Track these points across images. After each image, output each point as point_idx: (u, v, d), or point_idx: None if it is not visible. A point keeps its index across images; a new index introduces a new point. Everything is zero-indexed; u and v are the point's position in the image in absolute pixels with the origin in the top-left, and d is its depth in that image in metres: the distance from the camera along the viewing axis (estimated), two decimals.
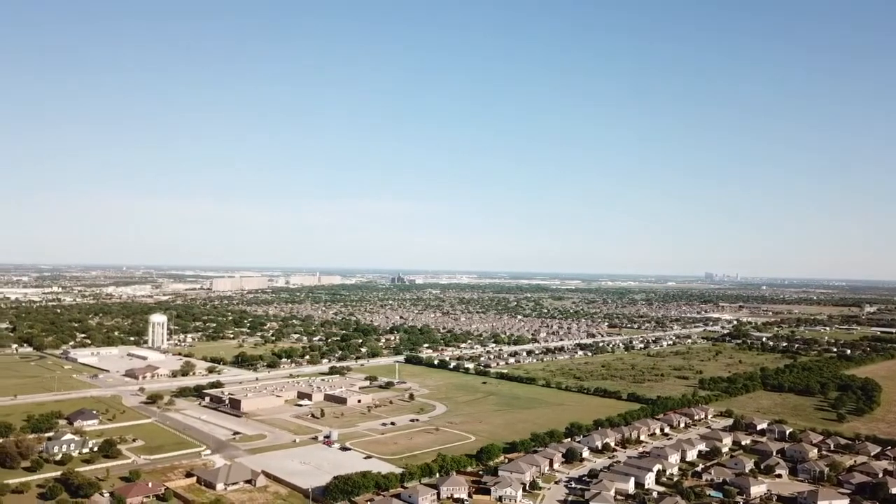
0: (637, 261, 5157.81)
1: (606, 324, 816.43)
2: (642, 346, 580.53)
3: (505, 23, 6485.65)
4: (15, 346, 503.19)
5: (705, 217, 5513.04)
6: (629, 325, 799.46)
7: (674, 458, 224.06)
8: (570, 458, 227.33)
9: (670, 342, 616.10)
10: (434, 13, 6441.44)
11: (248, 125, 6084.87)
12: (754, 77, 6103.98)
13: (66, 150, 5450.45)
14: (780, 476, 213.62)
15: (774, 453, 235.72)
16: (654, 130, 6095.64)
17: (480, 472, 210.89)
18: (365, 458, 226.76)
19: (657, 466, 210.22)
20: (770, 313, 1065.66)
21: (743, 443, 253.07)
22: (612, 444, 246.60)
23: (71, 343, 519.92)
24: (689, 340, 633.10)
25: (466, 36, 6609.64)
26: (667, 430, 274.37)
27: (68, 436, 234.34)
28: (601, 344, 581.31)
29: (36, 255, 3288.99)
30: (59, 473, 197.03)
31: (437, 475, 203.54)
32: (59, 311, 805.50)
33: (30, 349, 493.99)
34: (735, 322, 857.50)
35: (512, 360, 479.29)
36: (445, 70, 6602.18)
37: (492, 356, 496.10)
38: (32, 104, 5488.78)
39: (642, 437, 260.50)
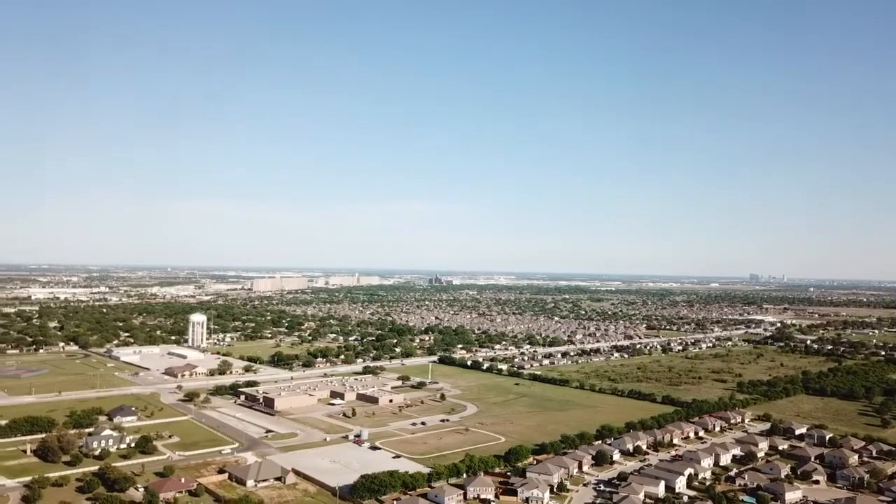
0: (680, 262, 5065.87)
1: (645, 326, 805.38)
2: (680, 348, 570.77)
3: (541, 18, 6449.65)
4: (62, 344, 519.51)
5: (750, 217, 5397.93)
6: (668, 327, 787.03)
7: (707, 462, 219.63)
8: (600, 460, 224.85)
9: (710, 344, 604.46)
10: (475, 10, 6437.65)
11: (290, 128, 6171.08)
12: (807, 69, 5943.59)
13: (117, 153, 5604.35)
14: (817, 482, 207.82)
15: (812, 459, 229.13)
16: (699, 130, 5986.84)
17: (508, 473, 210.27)
18: (394, 457, 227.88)
19: (689, 470, 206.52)
20: (816, 315, 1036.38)
21: (780, 448, 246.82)
22: (644, 447, 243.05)
23: (115, 342, 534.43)
24: (730, 343, 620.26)
25: (498, 38, 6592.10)
26: (701, 433, 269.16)
27: (107, 431, 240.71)
28: (638, 346, 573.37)
29: (85, 256, 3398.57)
30: (96, 468, 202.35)
31: (465, 475, 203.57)
32: (104, 310, 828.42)
33: (76, 347, 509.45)
34: (778, 324, 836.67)
35: (546, 361, 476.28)
36: (485, 71, 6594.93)
37: (526, 357, 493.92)
38: (82, 106, 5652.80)
39: (675, 441, 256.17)
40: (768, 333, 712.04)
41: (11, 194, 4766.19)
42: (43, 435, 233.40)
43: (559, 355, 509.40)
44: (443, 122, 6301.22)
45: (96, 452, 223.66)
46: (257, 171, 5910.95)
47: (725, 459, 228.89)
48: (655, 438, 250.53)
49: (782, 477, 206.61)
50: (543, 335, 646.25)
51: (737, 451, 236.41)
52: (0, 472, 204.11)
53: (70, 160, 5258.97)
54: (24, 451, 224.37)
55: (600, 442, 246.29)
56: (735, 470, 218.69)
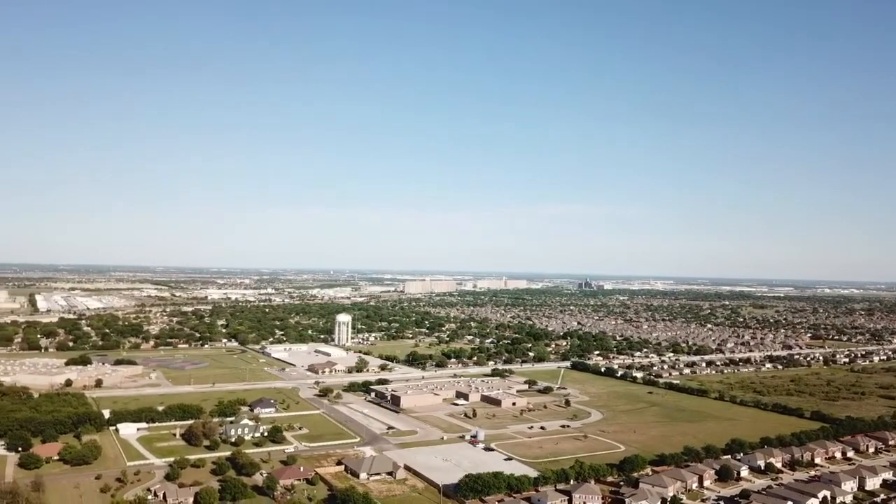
0: (861, 267, 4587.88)
1: (809, 335, 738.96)
2: (847, 360, 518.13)
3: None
4: (224, 340, 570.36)
5: None
6: (836, 337, 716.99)
7: (848, 486, 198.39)
8: (725, 476, 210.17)
9: (883, 357, 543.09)
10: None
11: (437, 138, 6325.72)
12: None
13: (286, 169, 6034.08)
14: None
15: None
16: (885, 126, 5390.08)
17: (621, 483, 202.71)
18: (506, 459, 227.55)
19: (824, 493, 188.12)
20: None
21: None
22: (778, 465, 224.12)
23: (269, 339, 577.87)
24: None
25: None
26: (850, 454, 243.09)
27: (245, 421, 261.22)
28: (796, 357, 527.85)
29: (259, 261, 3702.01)
30: (229, 453, 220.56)
31: (573, 481, 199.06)
32: (267, 310, 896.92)
33: (235, 343, 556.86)
34: None
35: (688, 370, 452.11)
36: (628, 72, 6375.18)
37: (666, 366, 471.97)
38: (258, 122, 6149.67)
39: (817, 460, 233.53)
40: None
41: (200, 207, 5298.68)
42: (191, 421, 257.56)
43: (703, 364, 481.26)
44: (598, 121, 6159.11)
45: (233, 439, 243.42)
46: (413, 180, 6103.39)
47: (873, 484, 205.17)
48: (793, 456, 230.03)
49: None
50: (690, 343, 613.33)
51: (888, 475, 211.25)
52: (151, 451, 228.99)
53: (238, 177, 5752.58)
54: (174, 435, 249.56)
55: (728, 457, 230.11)
56: (883, 496, 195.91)
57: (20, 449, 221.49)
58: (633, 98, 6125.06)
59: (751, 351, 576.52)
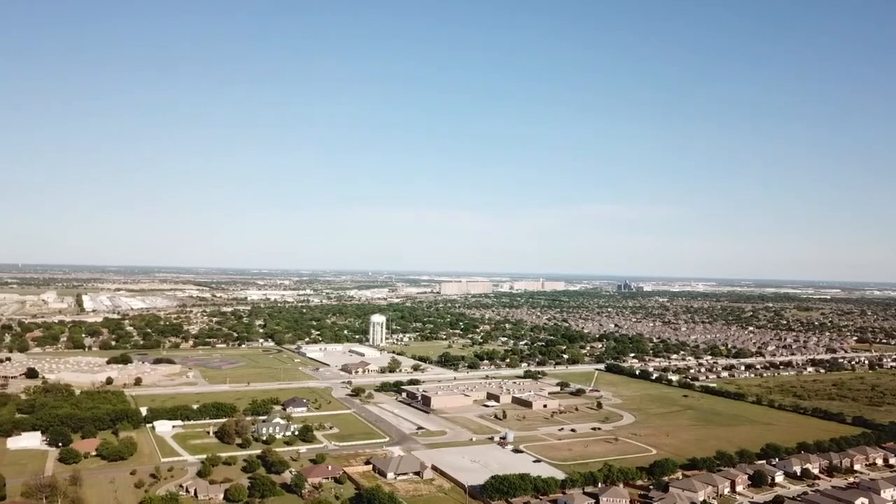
0: None
1: (855, 338, 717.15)
2: (894, 364, 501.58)
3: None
4: (261, 340, 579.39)
5: None
6: (884, 341, 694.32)
7: (888, 493, 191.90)
8: (758, 481, 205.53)
9: None
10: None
11: (478, 140, 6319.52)
12: None
13: (330, 171, 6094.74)
14: None
15: None
16: None
17: (650, 487, 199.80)
18: (534, 461, 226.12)
19: (862, 500, 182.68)
20: None
21: None
22: (815, 471, 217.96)
23: (305, 339, 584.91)
24: None
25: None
26: (892, 460, 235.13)
27: (277, 419, 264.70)
28: (841, 360, 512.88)
29: (299, 262, 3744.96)
30: (259, 451, 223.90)
31: (601, 484, 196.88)
32: (304, 310, 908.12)
33: (272, 343, 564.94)
34: None
35: (725, 373, 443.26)
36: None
37: (703, 369, 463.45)
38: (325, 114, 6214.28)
39: (857, 467, 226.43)
40: None
41: (241, 209, 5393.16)
42: (224, 420, 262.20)
43: (742, 367, 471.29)
44: (638, 121, 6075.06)
45: (264, 438, 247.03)
46: (455, 183, 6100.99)
47: None
48: (831, 462, 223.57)
49: None
50: (729, 346, 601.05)
51: None
52: (185, 448, 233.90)
53: (275, 180, 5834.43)
54: (208, 433, 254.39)
55: (763, 462, 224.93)
56: None
57: (60, 444, 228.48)
58: (674, 98, 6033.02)
59: (793, 354, 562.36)
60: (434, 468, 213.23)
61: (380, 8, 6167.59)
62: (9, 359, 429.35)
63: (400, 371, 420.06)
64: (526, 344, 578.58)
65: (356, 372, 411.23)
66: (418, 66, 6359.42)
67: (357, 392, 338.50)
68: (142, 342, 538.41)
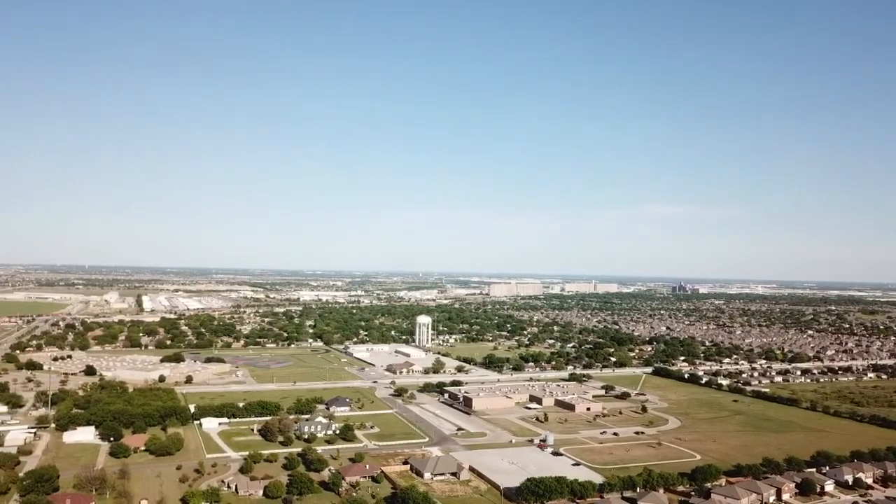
0: None
1: None
2: None
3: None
4: (311, 340, 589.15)
5: None
6: None
7: None
8: (806, 489, 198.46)
9: None
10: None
11: (531, 141, 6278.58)
12: None
13: (383, 171, 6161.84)
14: None
15: None
16: None
17: (692, 493, 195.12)
18: (574, 464, 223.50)
19: None
20: None
21: None
22: (869, 481, 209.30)
23: (353, 339, 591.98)
24: None
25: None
26: None
27: (319, 418, 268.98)
28: None
29: (352, 263, 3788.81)
30: (300, 449, 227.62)
31: (640, 489, 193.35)
32: (354, 311, 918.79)
33: (320, 343, 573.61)
34: None
35: (779, 378, 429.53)
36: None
37: (756, 373, 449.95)
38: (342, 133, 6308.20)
39: None
40: None
41: (293, 210, 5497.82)
42: (268, 418, 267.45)
43: (798, 372, 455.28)
44: (694, 121, 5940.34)
45: (306, 436, 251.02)
46: (507, 184, 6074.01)
47: None
48: (885, 471, 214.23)
49: None
50: (785, 350, 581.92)
51: None
52: (230, 445, 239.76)
53: (330, 184, 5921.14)
54: (252, 430, 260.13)
55: (813, 470, 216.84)
56: None
57: (112, 439, 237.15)
58: (735, 101, 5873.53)
59: (853, 359, 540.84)
60: (471, 469, 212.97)
61: (400, 6, 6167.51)
62: (70, 356, 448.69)
63: (444, 372, 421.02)
64: (573, 346, 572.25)
65: (400, 372, 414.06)
66: (455, 68, 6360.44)
67: (400, 392, 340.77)
68: (195, 341, 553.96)
